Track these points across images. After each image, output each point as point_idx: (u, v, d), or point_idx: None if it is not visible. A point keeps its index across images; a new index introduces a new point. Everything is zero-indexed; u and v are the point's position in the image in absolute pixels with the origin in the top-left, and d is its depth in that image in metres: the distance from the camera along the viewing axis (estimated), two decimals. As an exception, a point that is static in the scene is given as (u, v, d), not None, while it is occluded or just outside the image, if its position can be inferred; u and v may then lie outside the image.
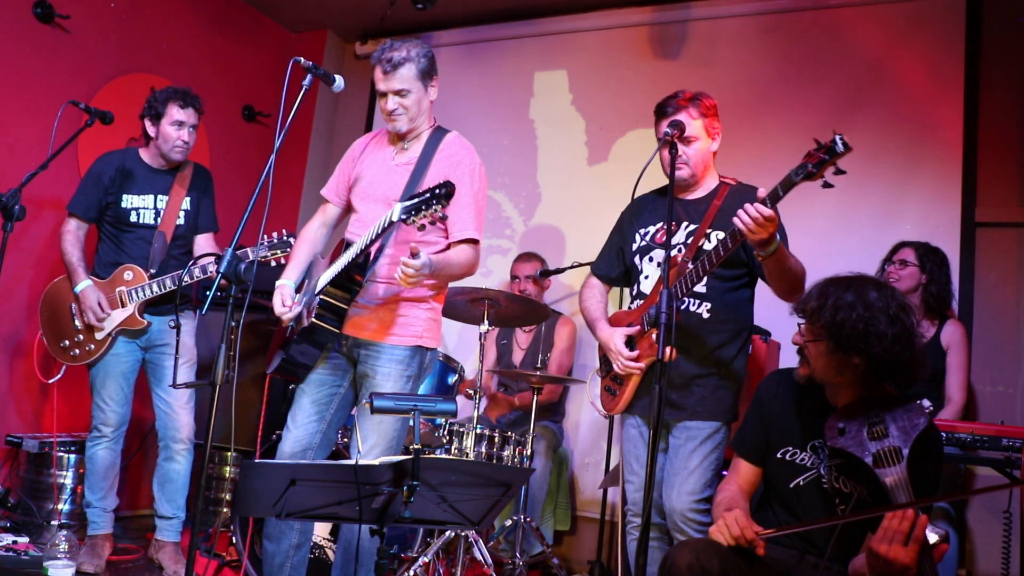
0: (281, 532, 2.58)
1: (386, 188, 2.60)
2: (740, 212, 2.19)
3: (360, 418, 2.57)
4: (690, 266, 2.47)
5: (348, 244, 2.53)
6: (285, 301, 2.53)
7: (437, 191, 2.21)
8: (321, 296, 2.47)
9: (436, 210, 2.20)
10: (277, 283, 2.60)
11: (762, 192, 2.18)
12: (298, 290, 2.63)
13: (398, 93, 2.54)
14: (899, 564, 1.71)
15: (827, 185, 2.09)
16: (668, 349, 2.40)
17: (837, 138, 2.05)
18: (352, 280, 2.47)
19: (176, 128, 3.31)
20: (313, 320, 2.46)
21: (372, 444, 2.51)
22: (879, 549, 1.73)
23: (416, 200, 2.22)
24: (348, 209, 2.77)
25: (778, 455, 2.16)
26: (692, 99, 2.58)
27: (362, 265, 2.45)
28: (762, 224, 2.17)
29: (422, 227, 2.25)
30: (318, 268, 2.65)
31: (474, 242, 2.59)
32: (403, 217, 2.23)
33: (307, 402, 2.60)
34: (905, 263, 3.42)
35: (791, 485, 2.11)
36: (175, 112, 3.30)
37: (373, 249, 2.45)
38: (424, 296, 2.58)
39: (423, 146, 2.62)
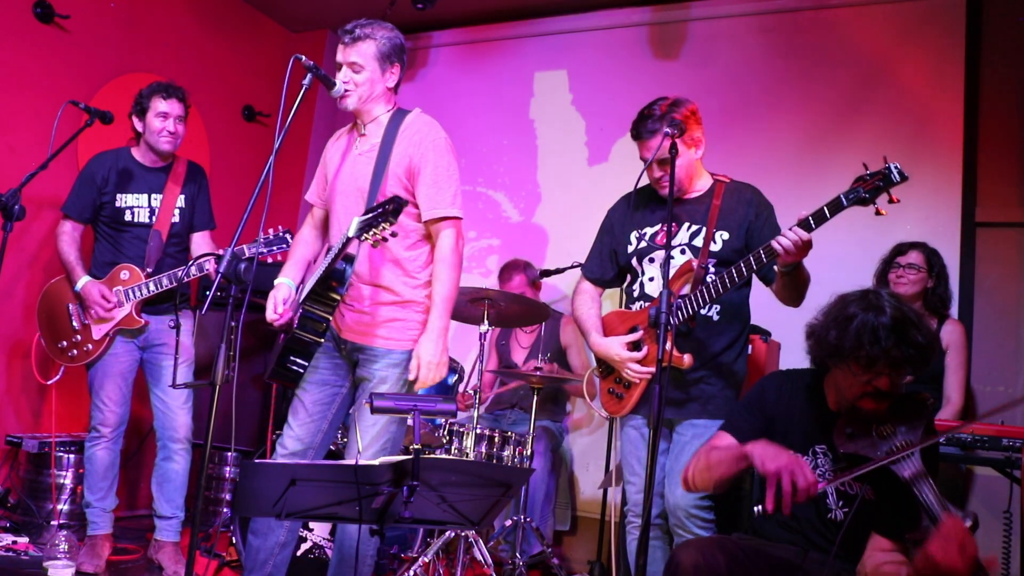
0: (268, 528, 2.54)
1: (353, 180, 2.55)
2: (780, 237, 2.19)
3: (356, 420, 2.55)
4: (711, 274, 2.46)
5: (329, 250, 2.48)
6: (277, 307, 2.49)
7: (387, 207, 2.11)
8: (304, 307, 2.44)
9: (384, 227, 2.11)
10: (276, 281, 2.57)
11: (804, 213, 2.16)
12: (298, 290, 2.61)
13: (352, 67, 2.50)
14: (955, 571, 1.70)
15: (879, 213, 2.08)
16: (686, 356, 2.42)
17: (892, 167, 2.03)
18: (330, 288, 2.43)
19: (161, 119, 3.31)
20: (295, 333, 2.42)
21: (365, 446, 2.49)
22: (935, 555, 1.72)
23: (368, 216, 2.14)
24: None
25: None
26: (664, 116, 2.47)
27: (339, 273, 2.40)
28: (800, 248, 2.17)
29: (376, 243, 2.17)
30: (311, 276, 2.63)
31: (454, 219, 2.49)
32: (357, 234, 2.16)
33: (309, 401, 2.59)
34: (914, 267, 3.36)
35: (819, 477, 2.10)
36: (158, 104, 3.31)
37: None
38: (416, 298, 2.55)
39: (384, 131, 2.55)
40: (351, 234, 2.19)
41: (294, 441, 2.58)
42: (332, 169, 2.65)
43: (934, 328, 3.37)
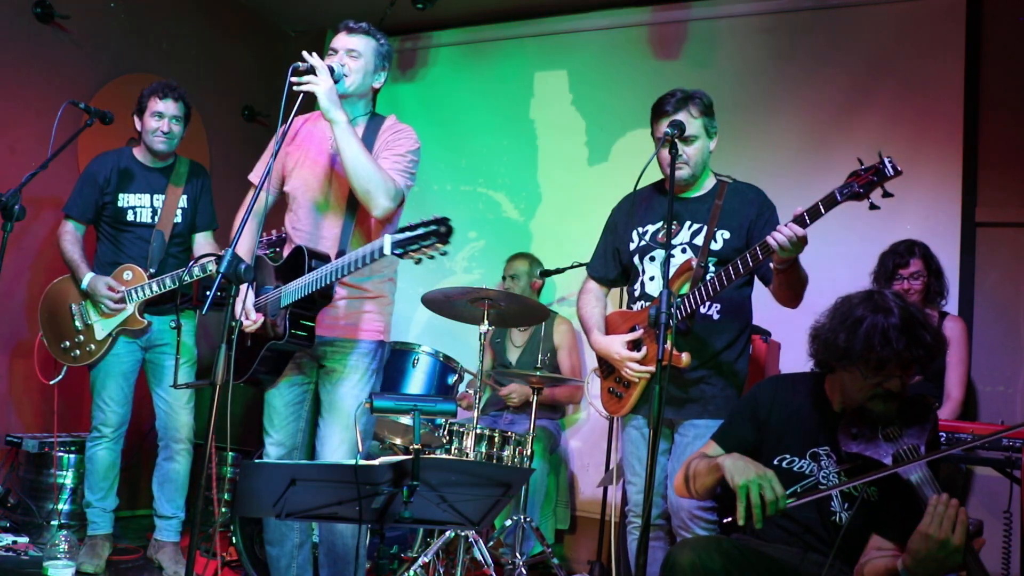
0: (282, 535, 2.59)
1: (336, 178, 2.55)
2: (775, 233, 2.19)
3: (326, 412, 2.57)
4: (711, 272, 2.46)
5: (308, 252, 2.44)
6: (249, 314, 2.47)
7: (436, 228, 2.03)
8: (292, 311, 2.44)
9: (437, 247, 2.04)
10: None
11: (799, 209, 2.17)
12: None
13: (350, 53, 2.53)
14: (951, 544, 1.73)
15: (873, 207, 2.08)
16: (684, 355, 2.43)
17: (886, 161, 2.04)
18: (325, 297, 2.45)
19: (156, 119, 3.32)
20: (289, 340, 2.43)
21: (340, 440, 2.51)
22: (929, 531, 1.75)
23: (410, 235, 2.06)
24: (282, 192, 2.73)
25: (775, 462, 2.13)
26: (690, 98, 2.56)
27: (332, 288, 2.42)
28: (796, 243, 2.18)
29: (418, 261, 2.10)
30: (266, 270, 2.62)
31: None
32: (398, 252, 2.07)
33: (281, 404, 2.62)
34: (917, 275, 3.37)
35: (788, 492, 2.10)
36: (154, 103, 3.32)
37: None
38: (383, 293, 2.62)
39: (362, 133, 2.56)
40: (386, 252, 2.10)
41: (276, 447, 2.61)
42: (304, 162, 2.63)
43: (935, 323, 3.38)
